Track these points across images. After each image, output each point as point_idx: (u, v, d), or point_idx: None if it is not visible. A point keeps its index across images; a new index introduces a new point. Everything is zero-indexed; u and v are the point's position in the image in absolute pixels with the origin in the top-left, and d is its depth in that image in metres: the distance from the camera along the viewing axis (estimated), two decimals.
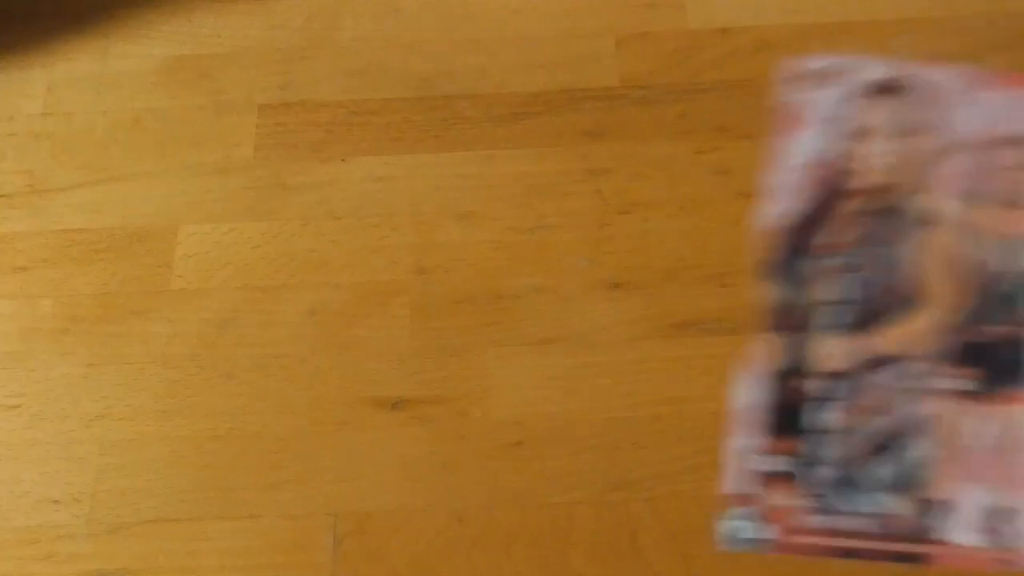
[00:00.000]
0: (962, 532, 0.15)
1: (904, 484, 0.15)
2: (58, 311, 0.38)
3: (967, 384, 0.15)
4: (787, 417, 0.16)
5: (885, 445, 0.15)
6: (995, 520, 0.15)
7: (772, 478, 0.16)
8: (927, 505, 0.15)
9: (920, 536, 0.15)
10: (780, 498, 0.16)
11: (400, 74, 0.43)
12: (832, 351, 0.16)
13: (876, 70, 0.16)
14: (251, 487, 0.34)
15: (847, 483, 0.15)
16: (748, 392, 0.16)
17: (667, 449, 0.33)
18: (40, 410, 0.36)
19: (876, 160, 0.15)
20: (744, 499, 0.16)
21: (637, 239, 0.36)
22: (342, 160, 0.40)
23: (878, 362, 0.15)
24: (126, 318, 0.38)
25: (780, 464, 0.16)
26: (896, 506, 0.15)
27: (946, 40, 0.42)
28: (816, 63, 0.16)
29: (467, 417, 0.35)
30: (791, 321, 0.15)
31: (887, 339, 0.15)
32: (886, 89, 0.15)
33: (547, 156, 0.39)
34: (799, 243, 0.15)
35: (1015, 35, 0.42)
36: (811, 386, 0.16)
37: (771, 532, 0.17)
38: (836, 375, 0.15)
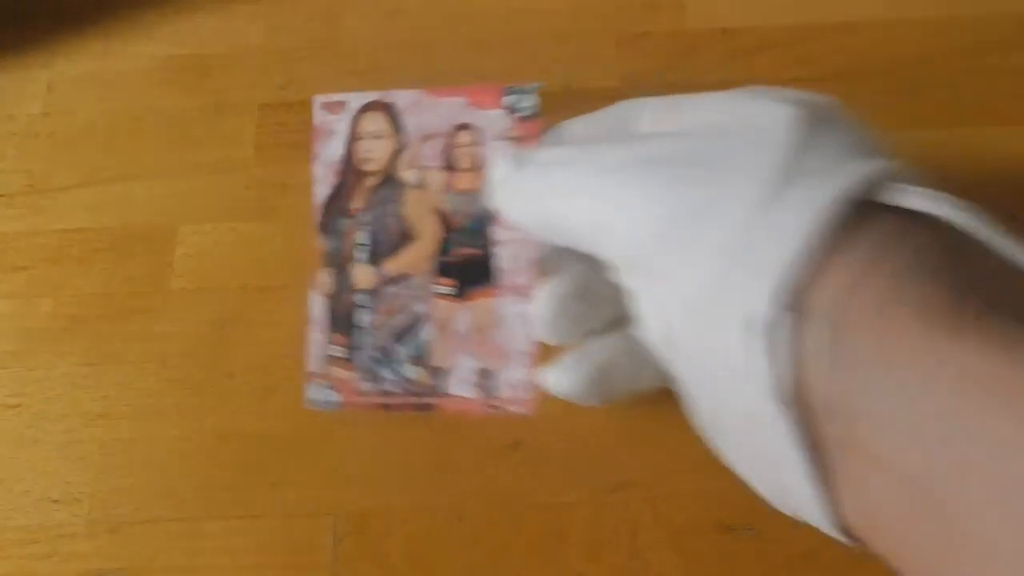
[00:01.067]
0: (458, 388, 0.25)
1: (418, 358, 0.25)
2: (58, 311, 0.38)
3: (449, 290, 0.25)
4: (340, 321, 0.26)
5: (403, 333, 0.25)
6: (480, 379, 0.25)
7: (334, 360, 0.27)
8: (434, 371, 0.25)
9: (431, 392, 0.26)
10: (341, 374, 0.27)
11: (400, 74, 0.43)
12: (362, 276, 0.26)
13: (368, 97, 0.28)
14: (251, 487, 0.34)
15: (381, 361, 0.26)
16: (316, 308, 0.27)
17: (667, 449, 0.33)
18: (40, 410, 0.36)
19: (376, 151, 0.26)
20: (319, 375, 0.27)
21: None
22: None
23: (392, 280, 0.25)
24: (126, 317, 0.38)
25: (338, 351, 0.27)
26: (415, 374, 0.26)
27: (945, 40, 0.42)
28: (335, 97, 0.28)
29: (467, 417, 0.35)
30: (337, 260, 0.26)
31: (395, 265, 0.26)
32: (372, 108, 0.27)
33: None
34: (335, 210, 0.27)
35: (1015, 36, 0.42)
36: (353, 299, 0.26)
37: (336, 396, 0.27)
38: (368, 291, 0.26)
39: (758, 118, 0.20)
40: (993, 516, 0.15)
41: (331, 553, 0.33)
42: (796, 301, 0.18)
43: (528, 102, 0.27)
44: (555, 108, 0.41)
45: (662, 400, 0.34)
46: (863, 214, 0.19)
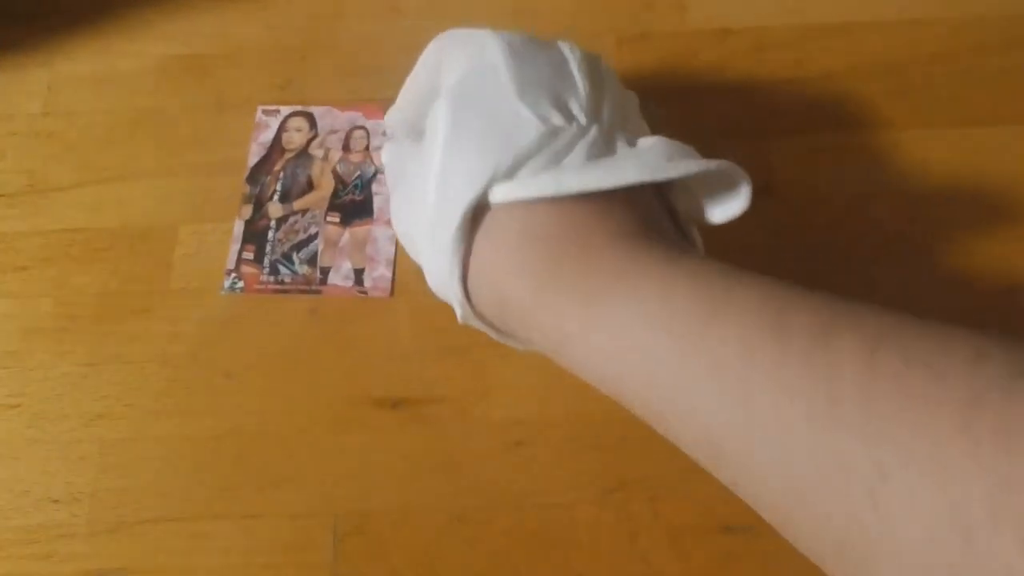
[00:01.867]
0: (338, 280, 0.36)
1: (310, 261, 0.37)
2: (58, 311, 0.38)
3: (336, 220, 0.38)
4: (254, 236, 0.38)
5: (300, 246, 0.37)
6: (355, 275, 0.36)
7: (245, 262, 0.37)
8: (321, 270, 0.37)
9: (318, 283, 0.36)
10: (249, 270, 0.37)
11: (400, 74, 0.43)
12: (274, 209, 0.38)
13: (295, 108, 0.41)
14: (251, 487, 0.34)
15: (281, 262, 0.37)
16: (237, 229, 0.38)
17: (667, 449, 0.33)
18: (40, 410, 0.36)
19: (296, 139, 0.40)
20: (232, 271, 0.37)
21: None
22: None
23: (297, 212, 0.38)
24: (126, 318, 0.38)
25: (249, 256, 0.37)
26: (306, 271, 0.37)
27: (946, 41, 0.42)
28: (272, 107, 0.41)
29: (467, 417, 0.35)
30: (257, 199, 0.39)
31: (301, 203, 0.38)
32: (297, 115, 0.41)
33: None
34: (261, 170, 0.39)
35: (1016, 36, 0.42)
36: (267, 224, 0.38)
37: (241, 283, 0.37)
38: (278, 219, 0.38)
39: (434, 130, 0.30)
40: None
41: (331, 553, 0.33)
42: (466, 277, 0.28)
43: None
44: None
45: None
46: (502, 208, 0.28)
